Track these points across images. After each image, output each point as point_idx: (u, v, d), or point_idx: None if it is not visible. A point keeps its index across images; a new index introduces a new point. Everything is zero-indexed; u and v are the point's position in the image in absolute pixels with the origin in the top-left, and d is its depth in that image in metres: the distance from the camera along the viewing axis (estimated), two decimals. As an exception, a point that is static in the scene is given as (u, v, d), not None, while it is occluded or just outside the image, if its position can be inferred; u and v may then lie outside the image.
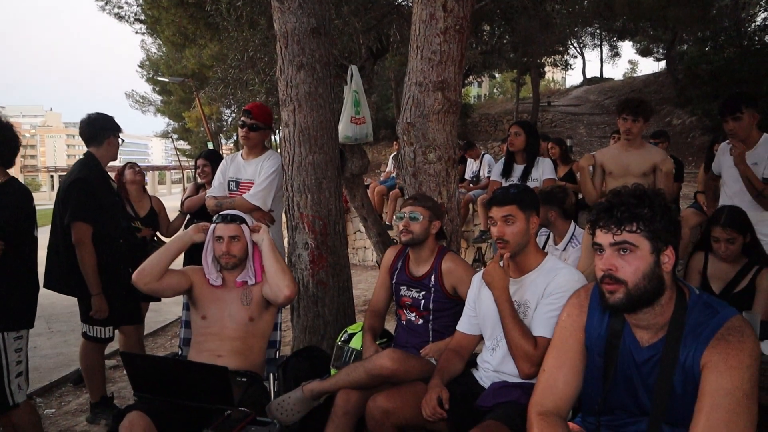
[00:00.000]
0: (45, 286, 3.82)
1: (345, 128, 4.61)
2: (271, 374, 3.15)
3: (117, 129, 4.09)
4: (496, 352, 2.62)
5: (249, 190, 4.10)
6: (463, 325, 2.81)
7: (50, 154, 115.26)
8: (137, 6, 17.29)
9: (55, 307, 6.92)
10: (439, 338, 3.06)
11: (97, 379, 4.12)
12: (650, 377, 1.82)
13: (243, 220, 3.13)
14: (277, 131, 10.60)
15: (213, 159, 5.12)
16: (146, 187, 5.36)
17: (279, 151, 4.44)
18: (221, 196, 4.15)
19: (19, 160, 3.24)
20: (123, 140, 4.18)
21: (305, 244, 4.05)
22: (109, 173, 4.14)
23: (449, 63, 3.56)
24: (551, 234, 4.21)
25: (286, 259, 4.27)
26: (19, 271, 3.07)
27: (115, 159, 4.14)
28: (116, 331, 4.21)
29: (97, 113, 4.07)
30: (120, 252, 3.93)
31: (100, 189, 3.90)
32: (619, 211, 1.76)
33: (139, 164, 5.31)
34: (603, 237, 1.78)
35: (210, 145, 21.34)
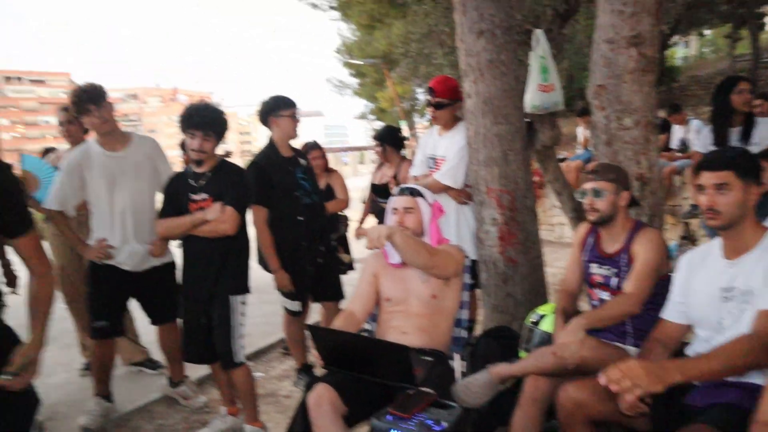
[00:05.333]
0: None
1: (532, 97, 4.39)
2: (458, 354, 3.06)
3: (280, 107, 4.03)
4: (710, 344, 2.26)
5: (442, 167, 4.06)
6: (669, 312, 2.49)
7: (263, 140, 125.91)
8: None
9: (265, 278, 7.40)
10: (637, 320, 2.76)
11: (297, 348, 4.41)
12: None
13: (419, 193, 3.06)
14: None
15: (384, 138, 5.25)
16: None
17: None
18: (420, 175, 4.16)
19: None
20: (296, 116, 4.07)
21: (493, 219, 3.89)
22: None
23: (644, 14, 3.17)
24: None
25: (472, 233, 4.15)
26: (247, 241, 3.44)
27: (293, 137, 4.13)
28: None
29: (269, 96, 4.08)
30: (300, 229, 4.05)
31: (274, 172, 3.99)
32: None
33: (319, 145, 5.39)
34: None
35: (403, 124, 21.55)
